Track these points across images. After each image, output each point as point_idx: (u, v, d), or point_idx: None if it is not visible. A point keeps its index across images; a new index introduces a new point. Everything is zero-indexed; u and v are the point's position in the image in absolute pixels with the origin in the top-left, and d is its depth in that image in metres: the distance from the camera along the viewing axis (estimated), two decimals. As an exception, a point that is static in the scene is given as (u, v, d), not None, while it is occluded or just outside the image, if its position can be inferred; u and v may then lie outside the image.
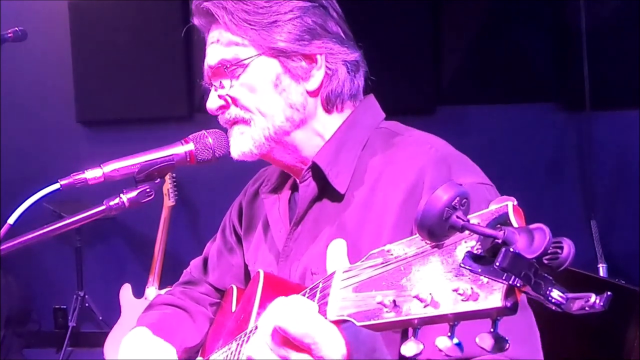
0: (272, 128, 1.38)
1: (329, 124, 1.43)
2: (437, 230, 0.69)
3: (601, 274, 3.71)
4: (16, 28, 3.03)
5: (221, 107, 1.41)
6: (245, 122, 1.39)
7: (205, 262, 1.82)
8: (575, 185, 4.26)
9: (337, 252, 0.96)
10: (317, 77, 1.38)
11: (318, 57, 1.37)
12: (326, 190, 1.40)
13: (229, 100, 1.39)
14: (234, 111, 1.40)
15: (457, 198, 0.68)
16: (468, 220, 0.67)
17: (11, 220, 1.26)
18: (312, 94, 1.39)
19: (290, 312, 0.88)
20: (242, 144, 1.40)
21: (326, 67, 1.38)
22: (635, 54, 3.98)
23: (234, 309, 1.61)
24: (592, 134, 4.14)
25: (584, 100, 4.02)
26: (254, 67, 1.36)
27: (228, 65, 1.37)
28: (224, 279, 1.77)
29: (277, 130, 1.38)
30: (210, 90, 1.44)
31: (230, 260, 1.76)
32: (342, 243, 0.96)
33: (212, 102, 1.41)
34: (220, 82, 1.40)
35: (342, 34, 1.41)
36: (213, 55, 1.40)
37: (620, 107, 4.17)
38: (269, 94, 1.37)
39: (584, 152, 4.17)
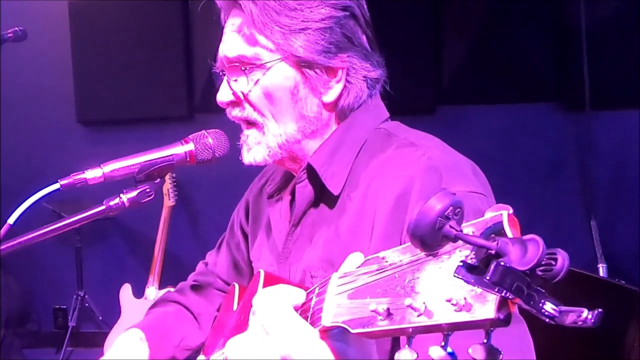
0: (284, 136, 1.36)
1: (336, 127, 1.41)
2: (429, 240, 0.68)
3: (601, 274, 3.71)
4: (16, 28, 3.04)
5: (232, 103, 1.38)
6: (258, 126, 1.37)
7: (216, 258, 1.82)
8: (575, 185, 4.25)
9: (352, 265, 0.93)
10: (335, 89, 1.35)
11: (340, 70, 1.34)
12: (323, 192, 1.38)
13: (242, 97, 1.36)
14: (247, 111, 1.37)
15: (451, 207, 0.68)
16: (461, 230, 0.67)
17: (11, 220, 1.25)
18: (328, 105, 1.37)
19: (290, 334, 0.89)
20: (257, 153, 1.38)
21: (346, 80, 1.35)
22: (635, 54, 3.97)
23: (235, 307, 1.61)
24: (592, 134, 4.13)
25: (584, 100, 4.02)
26: (275, 72, 1.32)
27: (247, 67, 1.33)
28: (231, 275, 1.77)
29: (289, 139, 1.36)
30: (220, 77, 1.40)
31: (237, 257, 1.76)
32: (360, 257, 0.93)
33: (224, 95, 1.37)
34: (235, 77, 1.36)
35: (367, 46, 1.37)
36: (232, 46, 1.35)
37: (620, 107, 4.16)
38: (286, 102, 1.34)
39: (584, 152, 4.17)
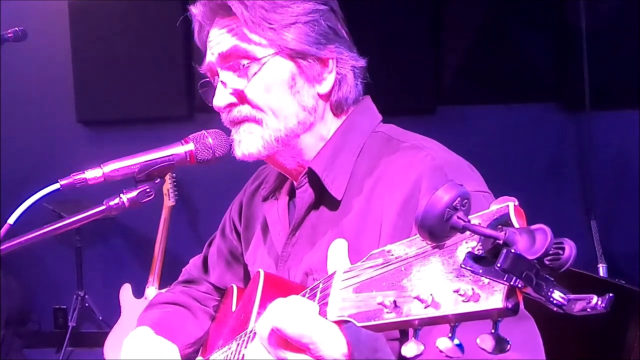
0: (284, 130, 1.35)
1: (333, 128, 1.42)
2: (437, 230, 0.69)
3: (601, 274, 3.71)
4: (16, 28, 3.03)
5: (230, 104, 1.37)
6: (257, 121, 1.36)
7: (205, 261, 1.82)
8: (575, 185, 4.26)
9: (338, 252, 0.95)
10: (328, 80, 1.37)
11: (330, 61, 1.37)
12: (323, 196, 1.39)
13: (240, 95, 1.35)
14: (245, 110, 1.36)
15: (459, 198, 0.68)
16: (469, 221, 0.67)
17: (11, 220, 1.25)
18: (323, 97, 1.39)
19: (288, 312, 0.88)
20: (250, 144, 1.36)
21: (337, 71, 1.37)
22: (635, 54, 3.98)
23: (234, 308, 1.61)
24: (592, 134, 4.14)
25: (584, 100, 4.03)
26: (270, 66, 1.33)
27: (243, 61, 1.34)
28: (224, 278, 1.77)
29: (288, 133, 1.36)
30: (210, 82, 1.40)
31: (230, 259, 1.75)
32: (343, 243, 0.96)
33: (222, 99, 1.36)
34: (231, 77, 1.36)
35: (348, 39, 1.41)
36: (225, 42, 1.35)
37: (620, 107, 4.17)
38: (284, 94, 1.35)
39: (584, 152, 4.18)
